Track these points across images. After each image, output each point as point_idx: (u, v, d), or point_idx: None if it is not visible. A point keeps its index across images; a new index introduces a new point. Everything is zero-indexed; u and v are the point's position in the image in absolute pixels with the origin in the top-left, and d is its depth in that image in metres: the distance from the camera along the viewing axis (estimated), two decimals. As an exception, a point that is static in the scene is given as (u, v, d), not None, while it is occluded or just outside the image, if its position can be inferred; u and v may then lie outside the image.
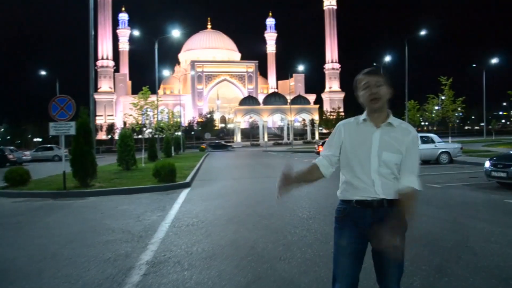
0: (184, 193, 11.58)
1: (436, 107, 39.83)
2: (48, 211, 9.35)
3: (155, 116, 23.76)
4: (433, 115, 38.47)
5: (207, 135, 59.60)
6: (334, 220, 2.49)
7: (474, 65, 55.78)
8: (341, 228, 2.43)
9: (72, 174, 12.64)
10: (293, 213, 7.71)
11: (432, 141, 19.73)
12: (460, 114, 33.18)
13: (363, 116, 2.44)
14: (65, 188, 12.01)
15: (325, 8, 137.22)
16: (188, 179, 13.90)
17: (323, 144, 25.83)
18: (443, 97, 36.71)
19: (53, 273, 4.79)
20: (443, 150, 19.57)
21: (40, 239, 6.56)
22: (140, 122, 23.85)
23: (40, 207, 10.09)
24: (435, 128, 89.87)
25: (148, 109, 23.18)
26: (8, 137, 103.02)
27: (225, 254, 5.26)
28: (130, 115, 23.80)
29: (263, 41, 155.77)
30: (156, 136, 32.28)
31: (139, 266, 4.87)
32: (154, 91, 30.02)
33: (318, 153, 22.16)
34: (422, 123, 77.99)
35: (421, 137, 19.71)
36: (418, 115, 41.80)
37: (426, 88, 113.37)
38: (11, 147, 36.92)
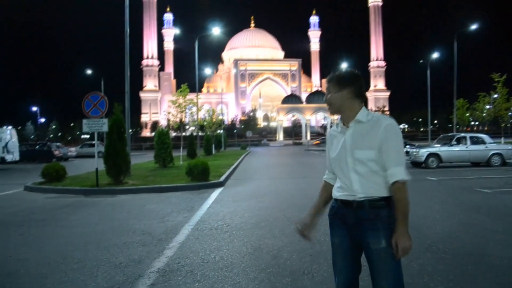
0: (216, 192, 11.20)
1: (487, 106, 37.78)
2: (76, 209, 9.20)
3: (192, 113, 23.57)
4: (484, 114, 36.43)
5: (248, 133, 59.36)
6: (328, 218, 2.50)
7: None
8: (332, 226, 2.45)
9: (105, 171, 12.58)
10: (325, 218, 7.10)
11: (483, 142, 18.44)
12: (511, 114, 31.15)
13: (337, 120, 2.49)
14: (98, 185, 11.92)
15: (370, 4, 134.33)
16: (222, 178, 13.53)
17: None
18: (495, 95, 34.70)
19: (59, 277, 4.48)
20: (495, 151, 18.24)
21: (58, 238, 6.33)
22: (179, 120, 23.78)
23: (70, 204, 9.99)
24: (486, 128, 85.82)
25: (188, 107, 23.03)
26: (59, 133, 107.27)
27: (243, 264, 4.77)
28: (169, 112, 23.78)
29: (307, 39, 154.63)
30: (196, 134, 32.27)
31: (148, 275, 4.47)
32: (195, 89, 30.07)
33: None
34: (472, 123, 74.60)
35: (471, 137, 18.53)
36: (467, 115, 39.71)
37: (477, 86, 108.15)
38: (58, 143, 38.13)
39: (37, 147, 33.74)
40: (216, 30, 34.54)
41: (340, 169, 2.37)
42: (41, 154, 31.71)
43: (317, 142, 60.57)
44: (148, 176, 14.70)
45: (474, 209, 7.95)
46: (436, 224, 6.66)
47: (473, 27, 32.61)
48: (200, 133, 35.40)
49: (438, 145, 18.73)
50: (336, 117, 2.50)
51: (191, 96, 24.79)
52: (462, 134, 19.23)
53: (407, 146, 24.17)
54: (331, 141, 2.49)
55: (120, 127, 12.60)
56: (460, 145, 18.22)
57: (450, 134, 22.61)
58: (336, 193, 2.41)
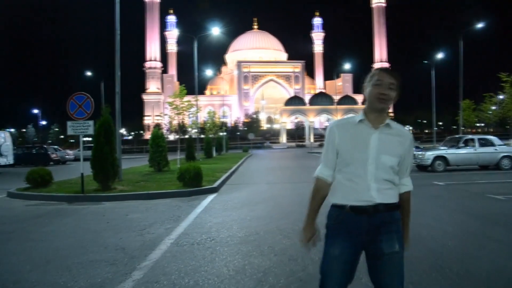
0: (208, 200, 10.44)
1: (493, 107, 36.80)
2: (53, 219, 8.45)
3: (190, 116, 22.77)
4: (491, 115, 35.40)
5: (250, 135, 58.65)
6: (326, 226, 2.34)
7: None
8: (333, 236, 2.28)
9: (92, 177, 11.87)
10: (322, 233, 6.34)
11: (492, 144, 17.61)
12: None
13: (360, 116, 2.29)
14: (83, 191, 11.19)
15: (373, 5, 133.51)
16: (216, 184, 12.76)
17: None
18: (501, 97, 33.73)
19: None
20: (505, 154, 17.39)
21: (19, 255, 5.58)
22: (177, 122, 23.02)
23: (49, 212, 9.27)
24: (491, 130, 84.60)
25: (191, 109, 22.27)
26: (62, 136, 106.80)
27: (220, 292, 4.02)
28: (165, 114, 23.05)
29: (310, 41, 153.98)
30: (196, 136, 31.57)
31: (104, 307, 3.72)
32: (198, 90, 29.40)
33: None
34: (477, 125, 73.44)
35: (479, 139, 17.70)
36: (473, 116, 38.69)
37: (484, 86, 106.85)
38: (55, 146, 37.52)
39: (34, 150, 33.11)
40: (215, 30, 33.86)
41: (356, 169, 2.21)
42: (38, 158, 31.08)
43: None
44: (139, 181, 13.96)
45: (488, 220, 7.15)
46: (447, 238, 5.88)
47: (479, 25, 31.76)
48: (201, 136, 34.65)
49: (445, 148, 17.91)
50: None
51: (190, 97, 24.04)
52: (470, 136, 18.41)
53: (412, 149, 23.37)
54: (342, 135, 2.28)
55: (108, 130, 11.87)
56: (468, 147, 17.39)
57: (457, 136, 21.77)
58: (343, 199, 2.25)
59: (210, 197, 10.92)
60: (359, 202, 2.19)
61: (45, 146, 34.68)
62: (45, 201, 10.89)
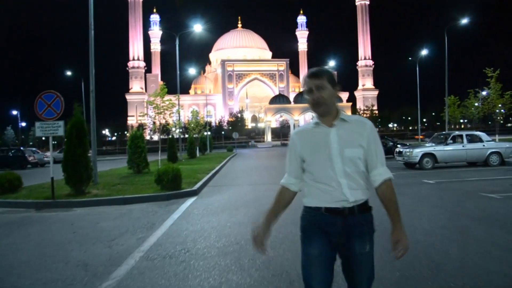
0: (186, 204, 9.77)
1: (476, 104, 36.80)
2: (15, 229, 7.70)
3: (171, 115, 22.01)
4: (475, 110, 35.35)
5: (235, 134, 57.81)
6: (301, 229, 2.33)
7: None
8: (309, 238, 2.26)
9: (64, 181, 11.12)
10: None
11: (480, 140, 17.23)
12: (503, 110, 30.04)
13: (314, 120, 2.32)
14: (53, 197, 10.43)
15: (357, 3, 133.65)
16: (196, 186, 12.09)
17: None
18: (484, 93, 33.70)
19: None
20: (493, 150, 17.03)
21: (-36, 276, 4.88)
22: (158, 122, 22.27)
23: (12, 221, 8.50)
24: (471, 126, 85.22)
25: (165, 108, 21.46)
26: (44, 138, 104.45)
27: (190, 321, 3.39)
28: (145, 114, 22.26)
29: (295, 39, 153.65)
30: (178, 136, 30.81)
31: None
32: (182, 90, 28.64)
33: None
34: (461, 121, 73.96)
35: (467, 135, 17.33)
36: (458, 112, 38.59)
37: (468, 82, 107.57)
38: (33, 148, 36.41)
39: (10, 153, 31.97)
40: (197, 27, 33.09)
41: (324, 170, 2.21)
42: (14, 160, 30.01)
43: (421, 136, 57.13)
44: (116, 184, 13.20)
45: (487, 221, 6.64)
46: (447, 245, 5.32)
47: (464, 21, 31.58)
48: (185, 136, 33.87)
49: (433, 144, 17.50)
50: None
51: (171, 96, 23.28)
52: (457, 132, 18.04)
53: (399, 146, 22.98)
54: (303, 141, 2.31)
55: (81, 130, 11.13)
56: (456, 144, 17.01)
57: (444, 132, 21.44)
58: (317, 202, 2.24)
59: (190, 200, 10.25)
60: (334, 204, 2.18)
61: (22, 148, 33.50)
62: (11, 208, 10.12)
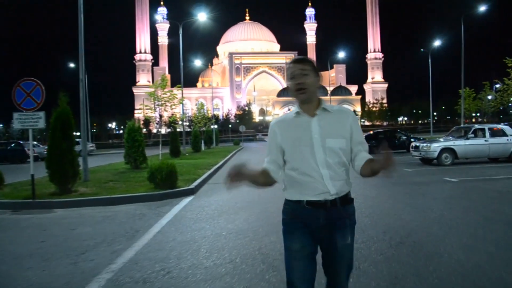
0: (181, 205, 8.67)
1: (489, 97, 35.45)
2: (-22, 236, 6.65)
3: (172, 107, 20.89)
4: (492, 103, 33.97)
5: (241, 128, 56.71)
6: (282, 223, 2.30)
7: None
8: (291, 232, 2.23)
9: (48, 178, 10.07)
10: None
11: (504, 134, 15.91)
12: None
13: (295, 109, 2.27)
14: (34, 196, 9.37)
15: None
16: (194, 184, 10.99)
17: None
18: (497, 85, 32.28)
19: None
20: (519, 144, 15.72)
21: None
22: (159, 115, 21.25)
23: (-21, 226, 7.46)
24: (485, 120, 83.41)
25: (166, 99, 20.39)
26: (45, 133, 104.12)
27: None
28: (146, 105, 21.20)
29: (303, 32, 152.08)
30: (180, 130, 29.78)
31: None
32: (190, 83, 27.58)
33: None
34: (473, 114, 72.35)
35: (489, 129, 16.02)
36: (473, 105, 37.09)
37: (481, 75, 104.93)
38: (34, 142, 35.49)
39: (9, 146, 31.09)
40: (202, 16, 31.84)
41: (305, 161, 2.16)
42: (14, 154, 29.17)
43: None
44: (108, 181, 12.13)
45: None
46: (495, 267, 4.14)
47: (482, 8, 30.04)
48: (184, 129, 32.75)
49: (452, 139, 16.23)
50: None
51: (173, 88, 22.21)
52: (478, 126, 16.75)
53: (413, 140, 21.71)
54: (283, 131, 2.25)
55: (66, 123, 10.05)
56: (478, 138, 15.73)
57: (464, 125, 20.16)
58: (298, 195, 2.20)
59: (185, 201, 9.15)
60: (316, 197, 2.15)
61: (21, 142, 32.60)
62: (-14, 209, 9.08)
